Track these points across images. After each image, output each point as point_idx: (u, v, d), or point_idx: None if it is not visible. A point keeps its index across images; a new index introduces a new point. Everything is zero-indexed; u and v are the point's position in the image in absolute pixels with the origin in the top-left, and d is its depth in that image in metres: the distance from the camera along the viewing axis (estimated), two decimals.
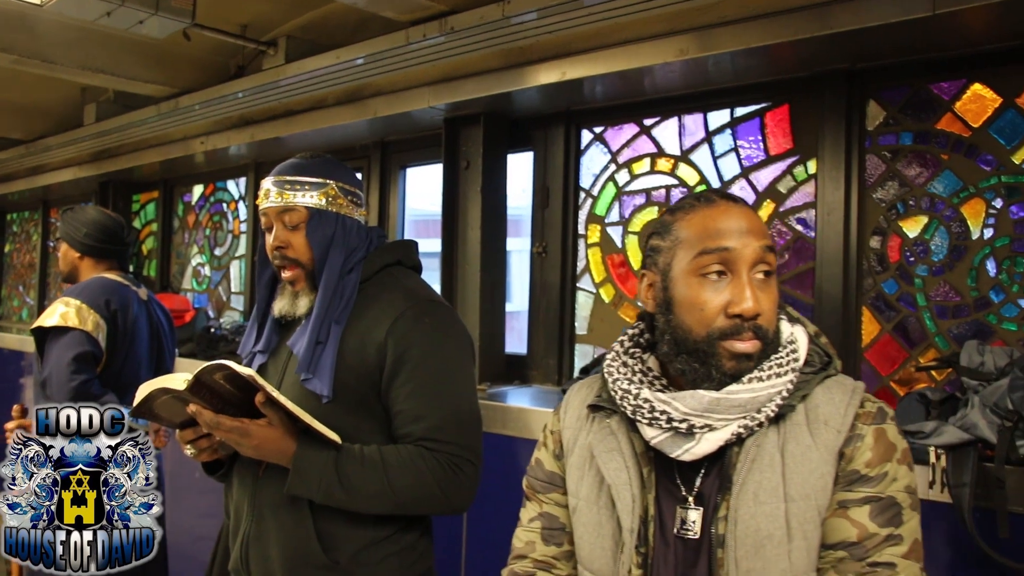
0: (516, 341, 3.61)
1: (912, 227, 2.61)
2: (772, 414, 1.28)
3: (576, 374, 3.21)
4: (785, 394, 1.29)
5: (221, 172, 5.23)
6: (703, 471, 1.33)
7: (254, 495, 1.94)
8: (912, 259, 2.60)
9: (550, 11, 2.77)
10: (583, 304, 3.40)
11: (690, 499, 1.32)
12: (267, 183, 1.97)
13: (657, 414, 1.30)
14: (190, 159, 4.93)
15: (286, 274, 1.98)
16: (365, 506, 1.85)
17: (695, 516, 1.31)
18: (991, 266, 2.47)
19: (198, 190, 5.51)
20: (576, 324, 3.42)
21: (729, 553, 1.25)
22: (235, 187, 5.21)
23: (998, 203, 2.46)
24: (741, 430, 1.27)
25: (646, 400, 1.32)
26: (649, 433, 1.32)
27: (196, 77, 4.41)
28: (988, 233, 2.47)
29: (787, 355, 1.31)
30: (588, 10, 2.68)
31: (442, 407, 1.87)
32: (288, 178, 1.95)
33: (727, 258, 1.29)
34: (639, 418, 1.33)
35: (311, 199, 1.93)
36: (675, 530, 1.32)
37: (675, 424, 1.29)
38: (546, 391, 3.30)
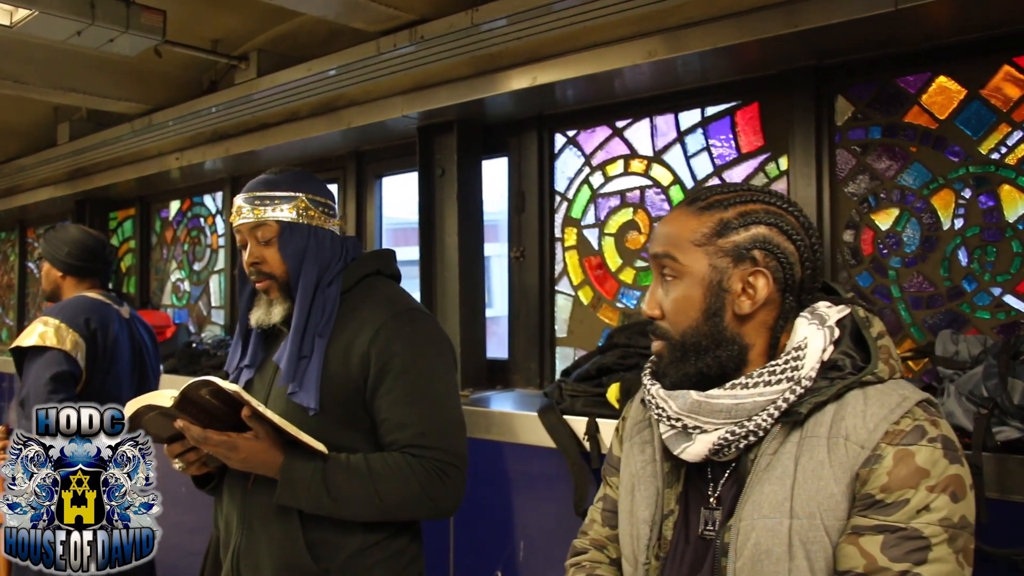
0: (497, 346, 3.62)
1: (884, 220, 2.63)
2: (766, 424, 1.23)
3: (558, 377, 3.22)
4: (782, 404, 1.22)
5: (197, 187, 5.22)
6: (727, 474, 1.29)
7: (244, 507, 1.95)
8: (885, 251, 2.63)
9: (518, 17, 2.78)
10: (562, 307, 3.41)
11: (712, 500, 1.30)
12: (238, 200, 1.98)
13: (660, 410, 1.30)
14: (166, 175, 4.90)
15: (260, 285, 1.99)
16: (353, 513, 1.87)
17: (717, 518, 1.28)
18: (963, 256, 2.50)
19: (175, 206, 5.49)
20: (556, 327, 3.43)
21: (730, 563, 1.22)
22: (212, 201, 5.20)
23: (967, 193, 2.49)
24: (728, 435, 1.24)
25: (653, 396, 1.32)
26: (660, 428, 1.32)
27: (169, 93, 4.39)
28: (959, 223, 2.50)
29: (785, 362, 1.24)
30: (556, 15, 2.70)
31: (425, 414, 1.89)
32: (258, 194, 1.96)
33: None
34: (652, 412, 1.33)
35: (281, 213, 1.94)
36: (700, 530, 1.30)
37: (672, 422, 1.28)
38: (528, 395, 3.30)
